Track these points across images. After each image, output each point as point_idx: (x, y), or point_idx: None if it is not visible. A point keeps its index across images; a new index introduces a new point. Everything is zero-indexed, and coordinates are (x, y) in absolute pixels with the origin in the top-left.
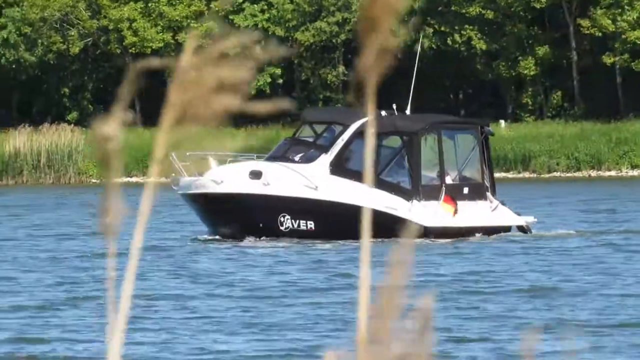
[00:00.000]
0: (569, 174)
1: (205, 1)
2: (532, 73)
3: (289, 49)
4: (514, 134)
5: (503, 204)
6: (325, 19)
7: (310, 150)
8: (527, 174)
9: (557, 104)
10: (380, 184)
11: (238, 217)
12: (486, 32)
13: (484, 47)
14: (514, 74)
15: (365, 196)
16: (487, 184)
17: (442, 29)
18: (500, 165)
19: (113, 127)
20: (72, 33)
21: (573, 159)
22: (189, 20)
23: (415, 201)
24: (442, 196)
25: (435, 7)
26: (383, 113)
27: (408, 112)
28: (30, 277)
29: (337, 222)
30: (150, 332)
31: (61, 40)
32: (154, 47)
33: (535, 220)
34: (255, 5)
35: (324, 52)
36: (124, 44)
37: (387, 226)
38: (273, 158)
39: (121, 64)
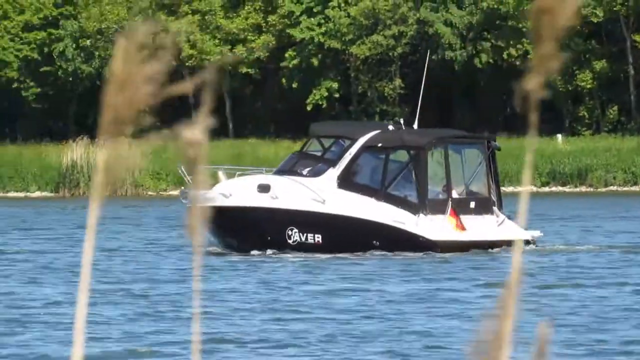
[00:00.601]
0: (625, 188)
1: (262, 14)
2: (589, 86)
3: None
4: (571, 148)
5: (510, 218)
6: (381, 32)
7: (318, 164)
8: (583, 188)
9: (614, 118)
10: (388, 197)
11: (246, 230)
12: None
13: None
14: (570, 88)
15: (372, 210)
16: (494, 198)
17: (499, 43)
18: (557, 179)
19: (198, 132)
20: None
21: (630, 173)
22: (246, 33)
23: (421, 215)
24: (449, 210)
25: (492, 21)
26: (390, 127)
27: (416, 126)
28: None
29: (344, 235)
30: (235, 344)
31: None
32: (211, 60)
33: (542, 234)
34: (312, 19)
35: (380, 65)
36: (180, 57)
37: (394, 240)
38: (281, 172)
39: (177, 77)
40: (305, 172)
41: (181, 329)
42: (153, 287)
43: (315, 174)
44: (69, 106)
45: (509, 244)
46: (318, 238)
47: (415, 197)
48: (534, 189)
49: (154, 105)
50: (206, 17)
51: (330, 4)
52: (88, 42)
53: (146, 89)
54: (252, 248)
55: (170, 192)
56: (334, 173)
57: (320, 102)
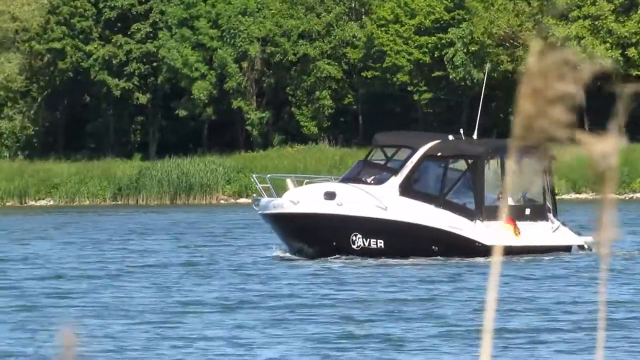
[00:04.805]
0: None
1: None
2: None
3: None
4: None
5: (564, 224)
6: None
7: (381, 173)
8: None
9: None
10: (446, 204)
11: (313, 235)
12: None
13: None
14: None
15: (431, 216)
16: (549, 205)
17: None
18: None
19: (610, 144)
20: (519, 51)
21: None
22: (638, 37)
23: (478, 221)
24: (504, 217)
25: None
26: (450, 137)
27: (475, 137)
28: None
29: (405, 241)
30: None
31: (508, 59)
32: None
33: (594, 240)
34: None
35: None
36: None
37: (452, 245)
38: (347, 180)
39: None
40: (369, 180)
41: None
42: None
43: (379, 181)
44: (461, 111)
45: (563, 249)
46: (380, 243)
47: (473, 204)
48: None
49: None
50: (597, 22)
51: None
52: (477, 47)
53: (559, 105)
54: (318, 253)
55: (563, 197)
56: (396, 181)
57: None
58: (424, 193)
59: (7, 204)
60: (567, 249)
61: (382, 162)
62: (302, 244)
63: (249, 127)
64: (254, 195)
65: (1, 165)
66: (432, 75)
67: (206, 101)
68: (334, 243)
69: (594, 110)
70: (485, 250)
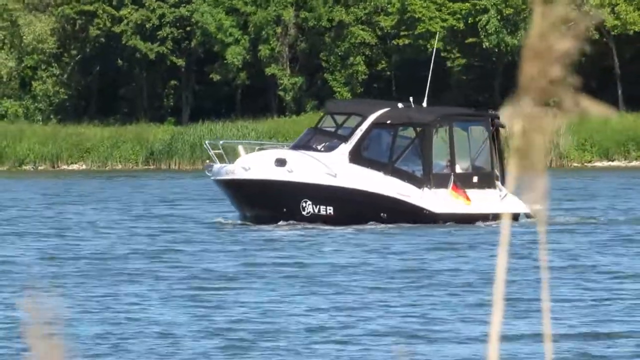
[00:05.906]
0: None
1: None
2: None
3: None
4: None
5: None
6: None
7: (332, 140)
8: None
9: None
10: (395, 172)
11: (264, 201)
12: None
13: None
14: None
15: (380, 183)
16: (497, 173)
17: None
18: None
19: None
20: None
21: None
22: None
23: (426, 189)
24: (451, 184)
25: None
26: (400, 105)
27: (425, 104)
28: None
29: (354, 207)
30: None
31: None
32: (636, 30)
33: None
34: None
35: None
36: (606, 27)
37: (400, 212)
38: (297, 147)
39: (603, 47)
40: (319, 147)
41: None
42: None
43: (329, 149)
44: (494, 78)
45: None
46: (330, 210)
47: (421, 171)
48: None
49: (575, 75)
50: None
51: None
52: (512, 12)
53: (559, 62)
54: (269, 219)
55: (595, 164)
56: (345, 148)
57: None
58: (373, 160)
59: (40, 167)
60: (515, 217)
61: (333, 130)
62: (252, 210)
63: (281, 93)
64: (207, 161)
65: (34, 129)
66: (466, 42)
67: (240, 66)
68: (284, 209)
69: (629, 78)
70: (432, 217)
